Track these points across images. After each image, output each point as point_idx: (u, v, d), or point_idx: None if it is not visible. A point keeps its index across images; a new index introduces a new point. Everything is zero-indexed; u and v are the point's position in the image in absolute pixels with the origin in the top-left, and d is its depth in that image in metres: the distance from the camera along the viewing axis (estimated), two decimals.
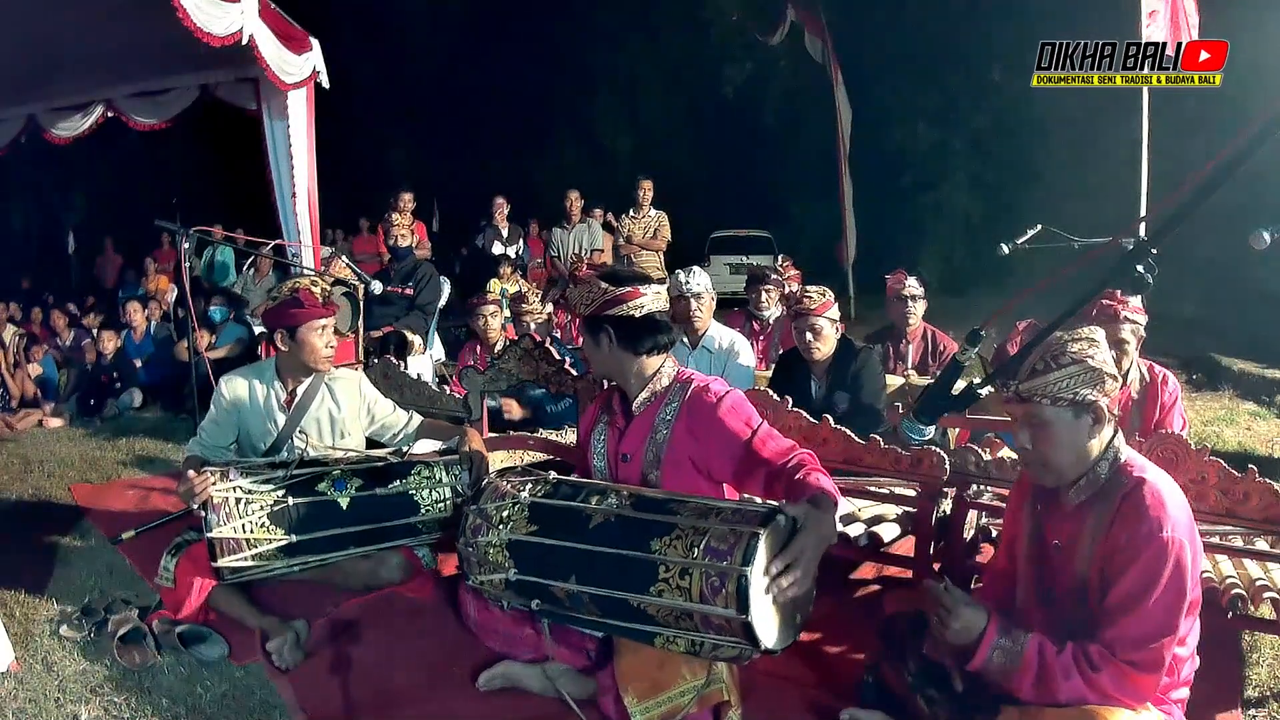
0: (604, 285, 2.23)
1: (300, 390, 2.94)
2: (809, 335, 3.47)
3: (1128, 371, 3.06)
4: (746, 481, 2.17)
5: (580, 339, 2.30)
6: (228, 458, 2.90)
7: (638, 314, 2.21)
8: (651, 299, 2.23)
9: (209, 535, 2.48)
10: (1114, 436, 1.74)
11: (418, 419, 3.11)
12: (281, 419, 2.93)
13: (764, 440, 2.12)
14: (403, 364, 3.98)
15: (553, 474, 2.31)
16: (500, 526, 2.13)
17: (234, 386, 2.96)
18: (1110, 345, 2.92)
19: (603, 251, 7.44)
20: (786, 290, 5.48)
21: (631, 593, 1.94)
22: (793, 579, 1.80)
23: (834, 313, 3.51)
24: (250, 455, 2.94)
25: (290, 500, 2.61)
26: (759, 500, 2.20)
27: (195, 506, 2.48)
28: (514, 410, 4.17)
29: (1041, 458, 1.75)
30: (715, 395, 2.20)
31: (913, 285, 4.35)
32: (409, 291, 5.63)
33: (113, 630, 2.54)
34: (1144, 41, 4.84)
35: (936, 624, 1.78)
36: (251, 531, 2.54)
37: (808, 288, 3.55)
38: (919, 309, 4.37)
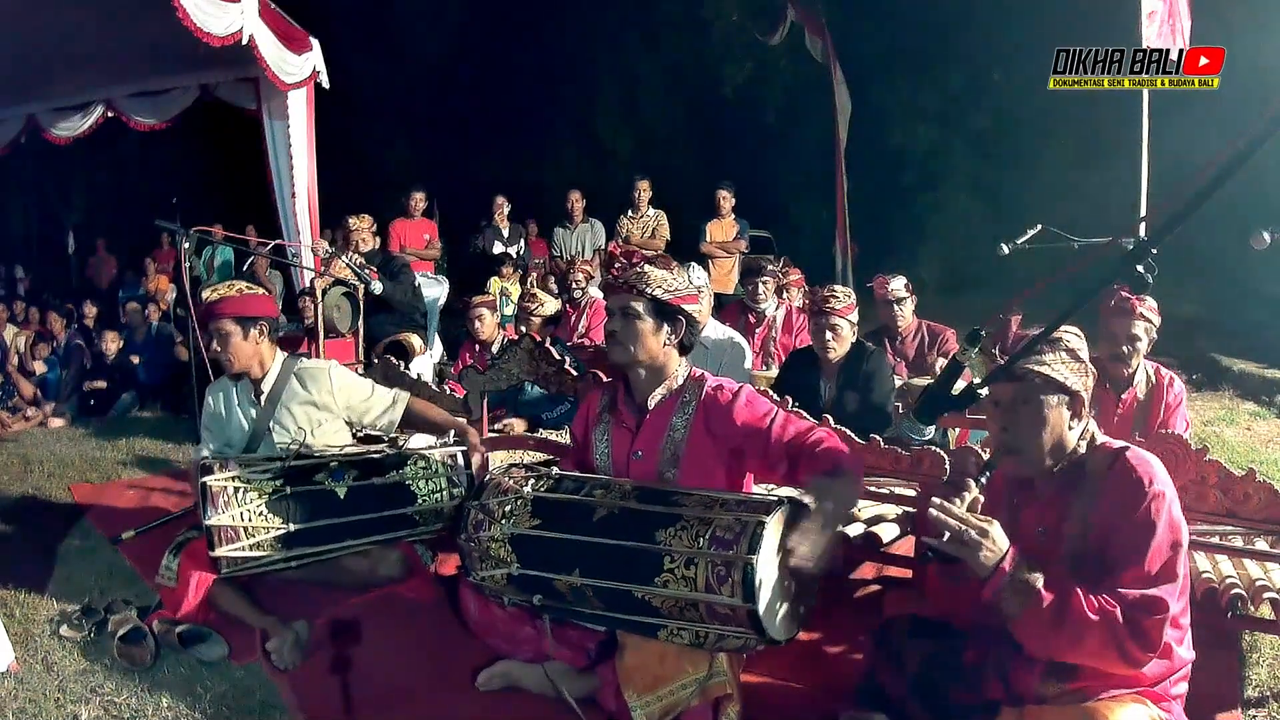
0: (690, 279, 2.33)
1: (268, 384, 2.94)
2: (828, 334, 3.48)
3: (1135, 372, 3.06)
4: (771, 471, 2.20)
5: (619, 320, 2.27)
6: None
7: (698, 315, 2.31)
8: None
9: (207, 523, 2.49)
10: (1087, 423, 1.81)
11: (404, 398, 3.07)
12: (254, 413, 2.94)
13: (783, 427, 2.15)
14: (402, 364, 3.98)
15: (555, 469, 2.32)
16: (503, 521, 2.14)
17: (214, 393, 3.04)
18: (1123, 340, 2.98)
19: (603, 254, 7.43)
20: (797, 294, 5.48)
21: (636, 584, 1.94)
22: (799, 559, 1.81)
23: (855, 315, 3.53)
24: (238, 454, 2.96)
25: (288, 490, 2.65)
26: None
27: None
28: (517, 429, 4.17)
29: (1022, 440, 1.78)
30: (730, 392, 2.24)
31: (896, 289, 4.36)
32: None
33: (113, 630, 2.54)
34: (1144, 43, 4.87)
35: (960, 546, 1.66)
36: (249, 520, 2.56)
37: (834, 287, 3.58)
38: (906, 309, 4.39)
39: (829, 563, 1.92)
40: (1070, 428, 1.78)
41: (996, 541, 1.65)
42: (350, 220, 5.65)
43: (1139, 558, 1.63)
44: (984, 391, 1.80)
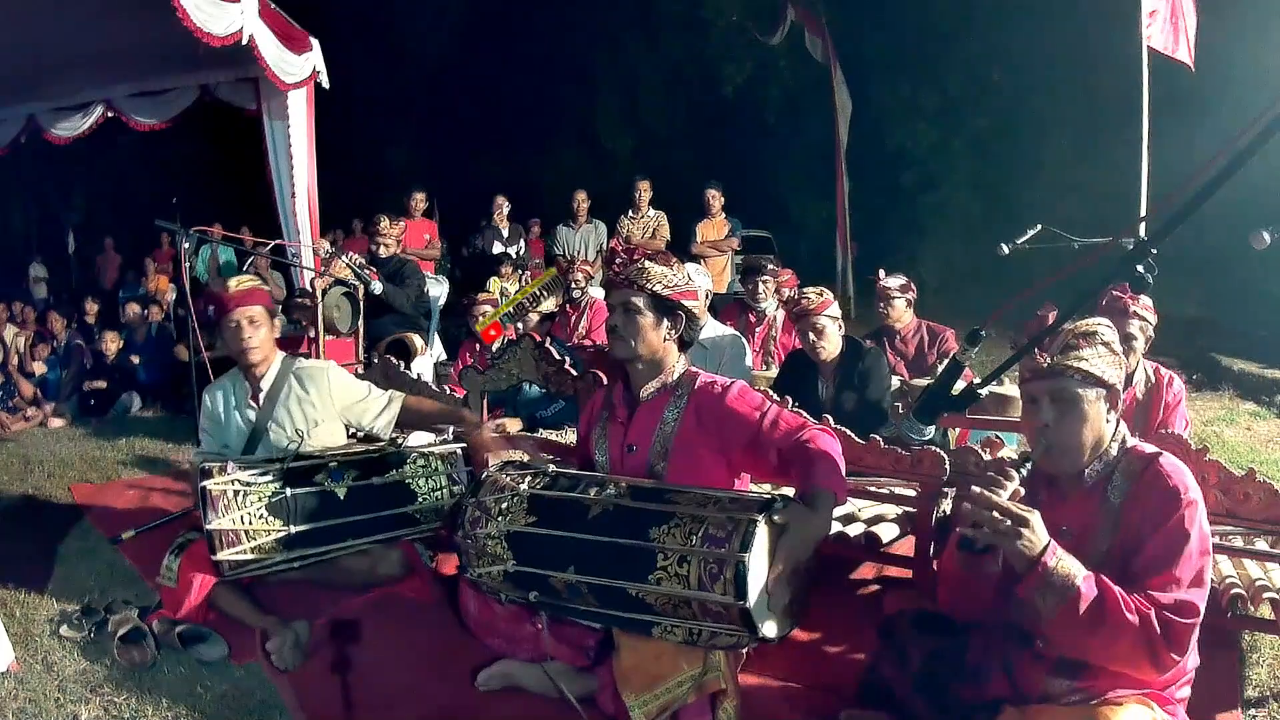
0: (690, 276, 2.37)
1: (266, 384, 2.94)
2: (813, 336, 3.49)
3: (1133, 372, 3.06)
4: (761, 465, 2.21)
5: (620, 315, 2.29)
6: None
7: (697, 311, 2.34)
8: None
9: (207, 528, 2.49)
10: (1120, 423, 1.80)
11: (399, 398, 3.07)
12: (252, 414, 2.94)
13: (773, 422, 2.16)
14: (402, 364, 3.98)
15: (551, 466, 2.32)
16: (499, 518, 2.15)
17: (212, 394, 3.04)
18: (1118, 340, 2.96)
19: (605, 252, 7.43)
20: (785, 294, 5.48)
21: (630, 581, 1.95)
22: (778, 574, 1.84)
23: (834, 310, 3.52)
24: (233, 456, 2.94)
25: (288, 491, 2.64)
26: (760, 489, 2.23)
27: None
28: (510, 428, 4.17)
29: (1062, 437, 1.76)
30: (721, 386, 2.26)
31: (887, 285, 4.37)
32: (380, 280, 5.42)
33: (113, 630, 2.54)
34: (1145, 42, 4.86)
35: (998, 535, 1.64)
36: (250, 523, 2.56)
37: (805, 289, 3.57)
38: (898, 307, 4.41)
39: (816, 573, 1.94)
40: (1108, 421, 1.77)
41: (1036, 533, 1.63)
42: (382, 222, 5.53)
43: (1171, 565, 1.62)
44: (984, 391, 1.80)
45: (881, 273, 4.53)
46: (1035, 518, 1.64)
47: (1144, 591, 1.62)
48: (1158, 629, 1.58)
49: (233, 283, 2.91)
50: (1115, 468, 1.76)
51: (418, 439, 3.25)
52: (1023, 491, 1.74)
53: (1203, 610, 1.62)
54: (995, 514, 1.64)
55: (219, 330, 2.98)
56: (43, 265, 11.26)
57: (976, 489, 1.68)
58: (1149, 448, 1.78)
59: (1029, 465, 1.77)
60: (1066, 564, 1.63)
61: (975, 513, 1.66)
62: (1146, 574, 1.64)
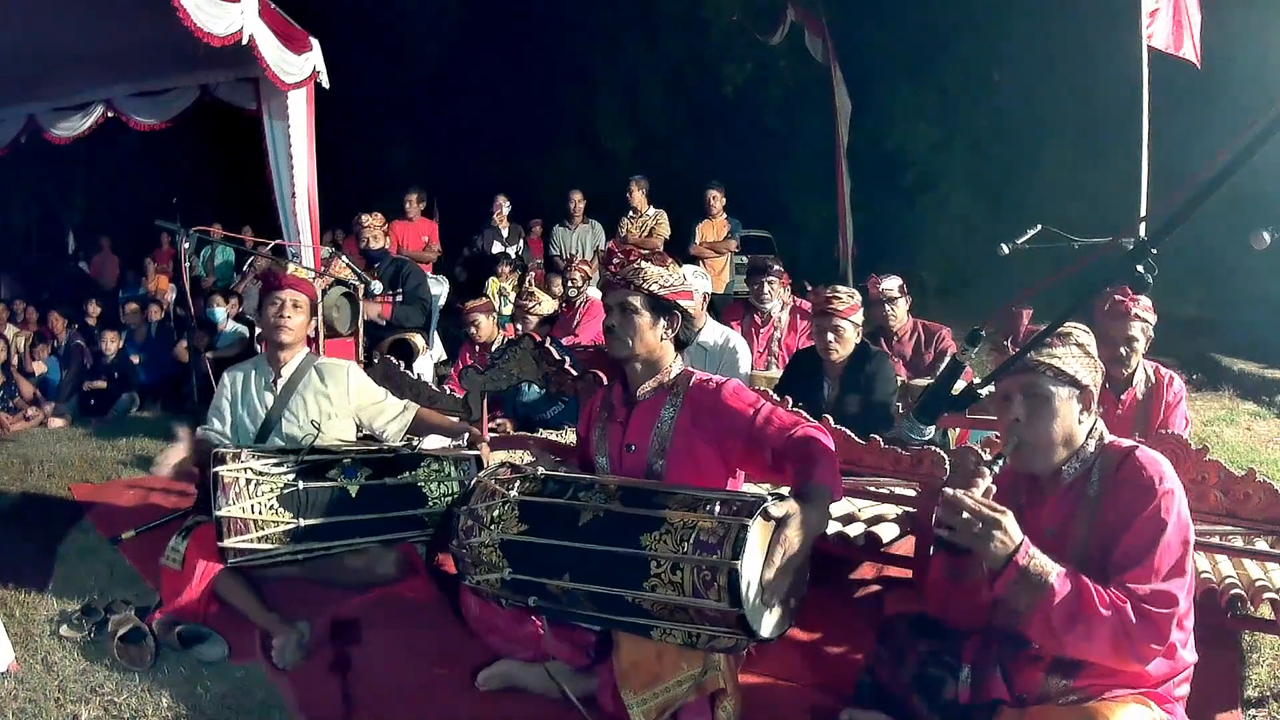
0: (685, 275, 2.41)
1: (287, 371, 2.99)
2: (830, 336, 3.46)
3: (1134, 372, 3.06)
4: (754, 462, 2.23)
5: (618, 314, 2.31)
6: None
7: (693, 311, 2.36)
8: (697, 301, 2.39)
9: (217, 514, 2.51)
10: (1096, 422, 1.82)
11: (413, 407, 3.16)
12: (270, 399, 2.98)
13: (767, 419, 2.17)
14: (402, 363, 3.98)
15: (541, 469, 2.31)
16: (491, 527, 2.14)
17: (233, 376, 3.10)
18: (1120, 342, 2.98)
19: (602, 253, 7.42)
20: (785, 296, 5.47)
21: (625, 589, 1.94)
22: (773, 574, 1.82)
23: (858, 317, 3.51)
24: (245, 440, 2.97)
25: (300, 485, 2.66)
26: (749, 490, 2.24)
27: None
28: (507, 430, 4.18)
29: (1032, 433, 1.78)
30: (716, 383, 2.28)
31: (888, 288, 4.36)
32: (396, 298, 5.51)
33: (113, 630, 2.54)
34: (1146, 41, 4.85)
35: (972, 536, 1.65)
36: (260, 513, 2.57)
37: (837, 288, 3.54)
38: (899, 309, 4.39)
39: (804, 573, 1.95)
40: (1080, 421, 1.78)
41: (1009, 532, 1.64)
42: (363, 217, 5.61)
43: (1148, 555, 1.62)
44: (984, 391, 1.80)
45: (874, 277, 4.50)
46: (1008, 518, 1.65)
47: (1122, 584, 1.62)
48: (1134, 620, 1.59)
49: (290, 267, 3.00)
50: (1093, 465, 1.78)
51: (433, 443, 3.27)
52: (994, 490, 1.75)
53: (1182, 599, 1.62)
54: (966, 515, 1.65)
55: (260, 307, 3.05)
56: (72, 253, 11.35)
57: (948, 491, 1.70)
58: (1126, 442, 1.79)
59: (999, 464, 1.78)
60: (1040, 561, 1.64)
61: (947, 515, 1.67)
62: (1124, 566, 1.65)
